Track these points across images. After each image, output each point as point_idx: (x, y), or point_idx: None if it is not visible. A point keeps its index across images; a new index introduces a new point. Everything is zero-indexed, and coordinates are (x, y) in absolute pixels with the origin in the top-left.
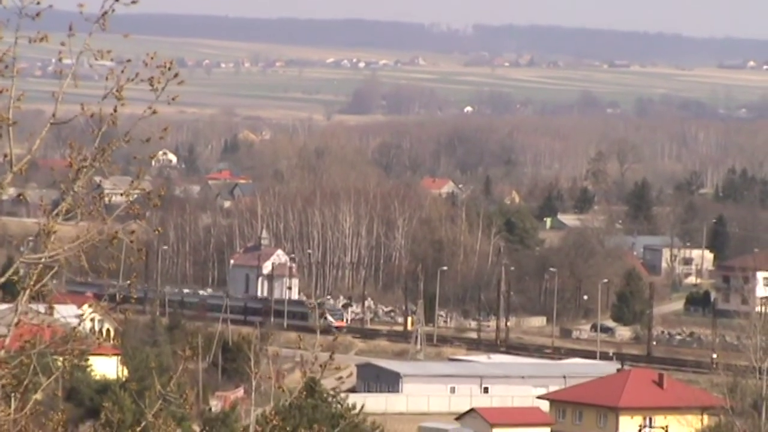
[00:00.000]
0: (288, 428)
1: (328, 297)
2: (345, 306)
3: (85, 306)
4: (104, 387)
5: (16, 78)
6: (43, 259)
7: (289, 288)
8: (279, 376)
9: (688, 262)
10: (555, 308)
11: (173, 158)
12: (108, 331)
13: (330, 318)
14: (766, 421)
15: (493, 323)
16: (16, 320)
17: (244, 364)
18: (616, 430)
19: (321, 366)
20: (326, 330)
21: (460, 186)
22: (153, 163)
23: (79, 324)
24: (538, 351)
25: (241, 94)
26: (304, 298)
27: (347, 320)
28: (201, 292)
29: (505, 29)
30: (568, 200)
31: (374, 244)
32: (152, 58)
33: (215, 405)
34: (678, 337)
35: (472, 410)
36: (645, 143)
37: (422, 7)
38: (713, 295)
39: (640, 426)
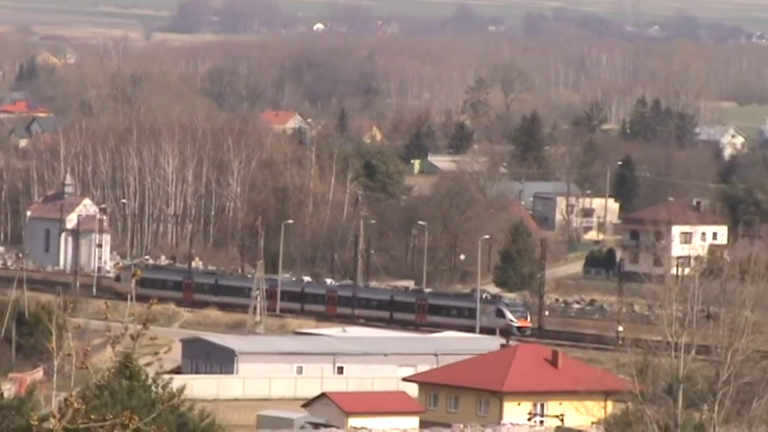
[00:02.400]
0: (93, 415)
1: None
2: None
3: None
4: None
5: None
6: None
7: (99, 246)
8: (83, 353)
9: (587, 213)
10: (425, 270)
11: None
12: None
13: (509, 315)
14: (683, 408)
15: None
16: None
17: (44, 340)
18: (500, 418)
19: (132, 337)
20: (506, 331)
21: (309, 121)
22: None
23: None
24: (404, 323)
25: (40, 9)
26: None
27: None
28: None
29: None
30: (440, 138)
31: (203, 192)
32: None
33: (8, 389)
34: (576, 306)
35: (322, 395)
36: (535, 68)
37: None
38: (619, 254)
39: (530, 414)
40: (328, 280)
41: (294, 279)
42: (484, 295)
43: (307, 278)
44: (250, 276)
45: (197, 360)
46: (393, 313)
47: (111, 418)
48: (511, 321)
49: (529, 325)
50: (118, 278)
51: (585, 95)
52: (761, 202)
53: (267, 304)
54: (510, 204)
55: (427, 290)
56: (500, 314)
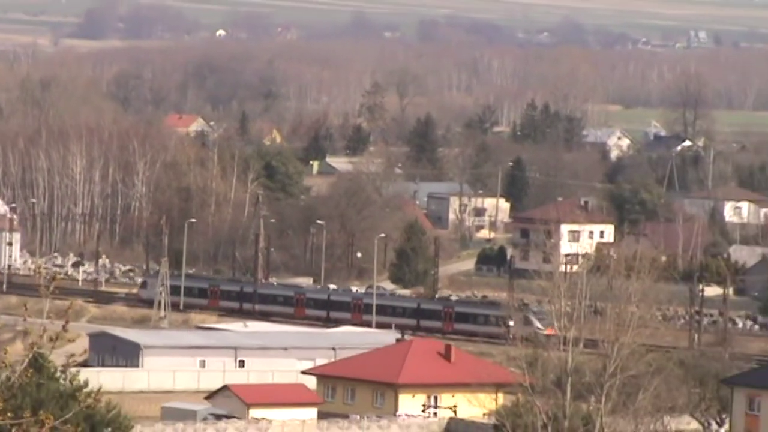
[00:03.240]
0: (10, 413)
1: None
2: (76, 264)
3: None
4: None
5: None
6: None
7: (10, 244)
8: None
9: (480, 213)
10: (323, 267)
11: None
12: None
13: (537, 323)
14: (571, 399)
15: None
16: None
17: None
18: (395, 409)
19: (51, 340)
20: (531, 339)
21: (212, 124)
22: None
23: None
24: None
25: None
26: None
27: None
28: None
29: None
30: (338, 140)
31: (110, 191)
32: None
33: None
34: None
35: (224, 387)
36: (429, 73)
37: None
38: (510, 252)
39: (424, 405)
40: (354, 288)
41: (319, 286)
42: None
43: (332, 286)
44: (275, 283)
45: (104, 353)
46: (420, 320)
47: (27, 417)
48: (539, 329)
49: (555, 333)
50: (144, 285)
51: (477, 99)
52: (646, 202)
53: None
54: (405, 204)
55: (454, 298)
56: (528, 322)
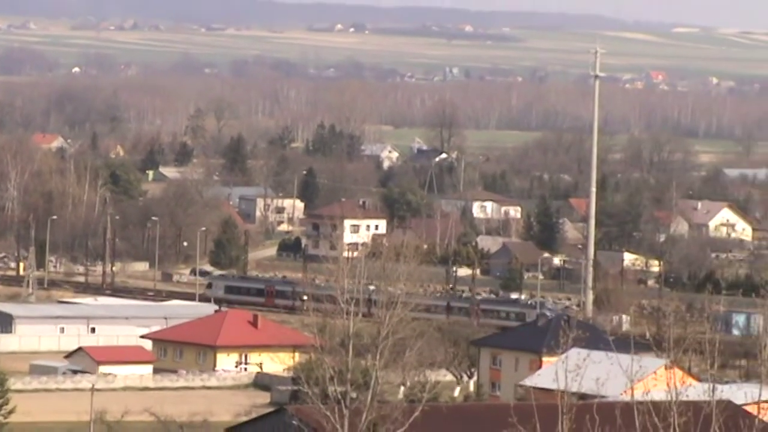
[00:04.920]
0: None
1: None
2: None
3: None
4: None
5: None
6: None
7: None
8: None
9: (280, 210)
10: (157, 254)
11: None
12: None
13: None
14: (353, 357)
15: (99, 268)
16: None
17: None
18: (214, 366)
19: None
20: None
21: (69, 141)
22: None
23: None
24: (141, 294)
25: None
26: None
27: None
28: None
29: None
30: (169, 154)
31: None
32: None
33: None
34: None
35: (80, 349)
36: (240, 101)
37: None
38: (304, 241)
39: (237, 362)
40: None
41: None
42: (529, 302)
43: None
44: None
45: None
46: (449, 316)
47: None
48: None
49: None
50: (210, 286)
51: (278, 121)
52: (411, 202)
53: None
54: (221, 204)
55: (479, 296)
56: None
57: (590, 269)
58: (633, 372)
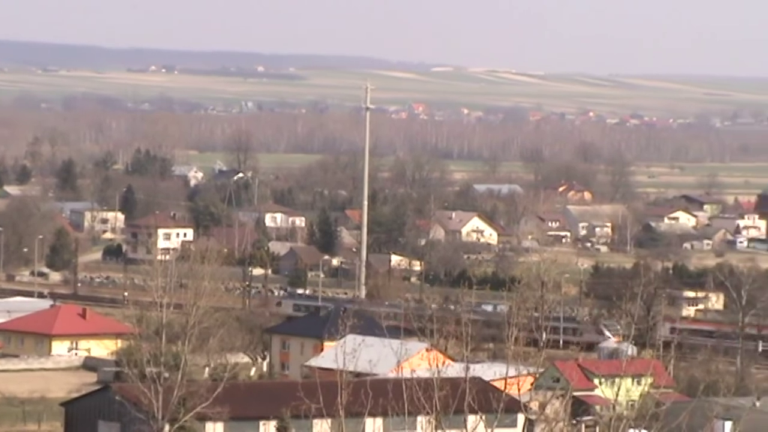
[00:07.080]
0: None
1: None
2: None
3: None
4: None
5: None
6: None
7: None
8: None
9: (105, 221)
10: (2, 259)
11: None
12: None
13: (607, 332)
14: (165, 343)
15: None
16: None
17: None
18: (50, 352)
19: None
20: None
21: None
22: None
23: None
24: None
25: None
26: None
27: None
28: None
29: None
30: (12, 174)
31: None
32: None
33: None
34: (98, 280)
35: None
36: (71, 131)
37: None
38: (125, 247)
39: (69, 348)
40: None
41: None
42: (585, 318)
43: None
44: (393, 304)
45: None
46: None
47: None
48: (609, 337)
49: (619, 340)
50: (279, 303)
51: (103, 147)
52: (214, 214)
53: None
54: (55, 216)
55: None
56: (600, 332)
57: (363, 268)
58: (401, 354)
